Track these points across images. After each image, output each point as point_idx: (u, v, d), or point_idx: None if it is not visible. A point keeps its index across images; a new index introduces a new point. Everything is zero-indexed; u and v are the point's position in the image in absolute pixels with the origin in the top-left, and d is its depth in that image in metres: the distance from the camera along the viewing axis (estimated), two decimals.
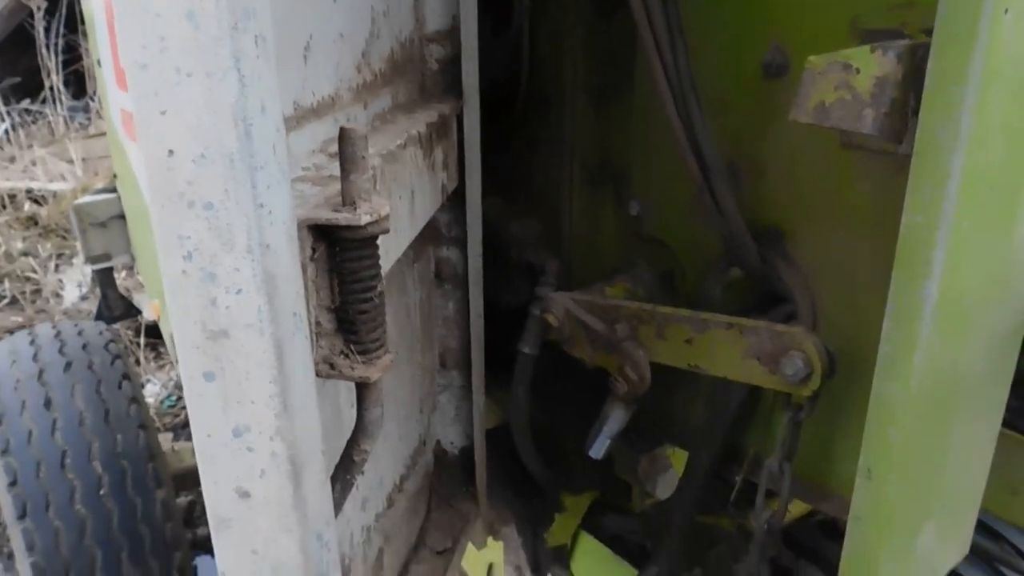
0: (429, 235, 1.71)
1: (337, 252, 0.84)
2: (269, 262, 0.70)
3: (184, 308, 0.71)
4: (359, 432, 0.94)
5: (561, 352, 1.88)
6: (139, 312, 4.56)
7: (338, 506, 0.95)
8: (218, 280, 0.70)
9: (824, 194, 1.54)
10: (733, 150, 1.68)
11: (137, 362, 6.19)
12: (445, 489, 1.88)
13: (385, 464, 1.49)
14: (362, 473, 0.97)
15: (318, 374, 0.87)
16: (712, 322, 1.52)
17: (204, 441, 0.77)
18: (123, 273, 6.05)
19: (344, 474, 0.95)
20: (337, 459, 0.98)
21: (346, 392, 1.14)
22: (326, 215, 0.81)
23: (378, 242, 0.87)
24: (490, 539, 2.22)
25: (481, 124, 2.12)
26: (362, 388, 0.93)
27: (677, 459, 2.20)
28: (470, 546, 2.23)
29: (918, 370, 1.09)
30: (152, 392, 5.29)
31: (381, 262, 0.93)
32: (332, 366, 0.88)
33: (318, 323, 0.86)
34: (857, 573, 1.23)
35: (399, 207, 1.20)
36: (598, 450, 1.84)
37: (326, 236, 0.83)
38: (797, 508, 2.45)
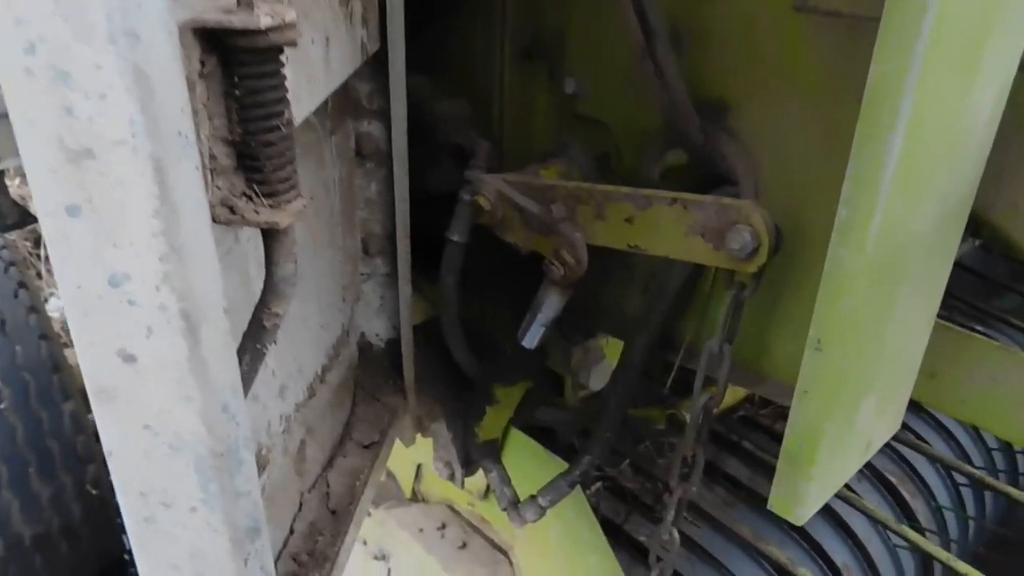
0: (348, 106, 1.55)
1: (233, 69, 0.69)
2: (140, 57, 0.55)
3: (31, 121, 0.56)
4: (269, 292, 0.82)
5: (491, 240, 1.77)
6: (35, 220, 4.24)
7: (248, 380, 0.84)
8: (74, 81, 0.55)
9: (773, 61, 1.45)
10: (676, 13, 1.56)
11: (39, 275, 5.79)
12: (371, 383, 1.78)
13: (305, 351, 1.37)
14: (274, 342, 0.85)
15: (216, 219, 0.73)
16: (655, 198, 1.43)
17: (74, 294, 0.64)
18: (16, 180, 5.58)
19: (253, 343, 0.83)
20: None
21: (257, 262, 1.01)
22: (216, 17, 0.65)
23: (284, 58, 0.72)
24: (419, 436, 2.16)
25: None
26: (271, 239, 0.80)
27: (611, 350, 2.17)
28: (397, 443, 2.16)
29: (874, 235, 1.03)
30: (57, 307, 4.97)
31: (291, 98, 0.79)
32: (232, 210, 0.75)
33: (213, 157, 0.72)
34: (801, 446, 1.20)
35: (312, 51, 1.04)
36: (532, 339, 1.77)
37: (218, 47, 0.68)
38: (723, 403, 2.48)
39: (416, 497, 3.11)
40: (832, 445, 1.20)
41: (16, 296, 2.61)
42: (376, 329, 1.83)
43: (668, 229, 1.43)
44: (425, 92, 2.00)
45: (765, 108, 1.49)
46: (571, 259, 1.60)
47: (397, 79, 1.53)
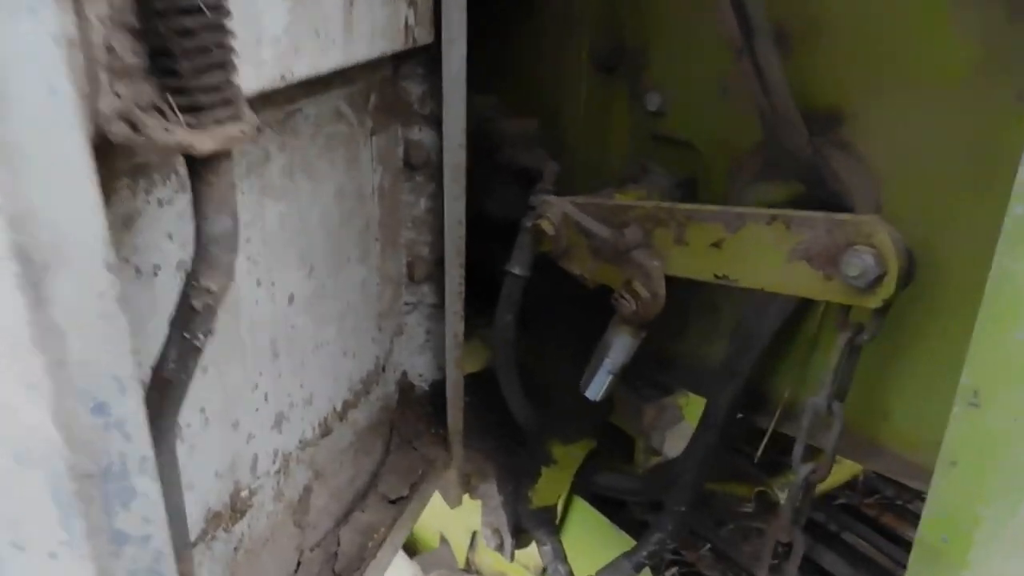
0: (398, 108, 1.37)
1: None
2: None
3: None
4: (198, 260, 0.61)
5: (556, 275, 1.54)
6: None
7: (178, 384, 0.62)
8: None
9: (903, 56, 1.19)
10: (782, 12, 1.33)
11: None
12: (409, 429, 1.55)
13: (318, 379, 1.15)
14: (210, 332, 0.63)
15: (108, 137, 0.53)
16: (749, 216, 1.18)
17: None
18: None
19: (179, 332, 0.62)
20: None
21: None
22: None
23: None
24: (466, 497, 1.90)
25: None
26: (198, 181, 0.60)
27: (691, 410, 1.87)
28: (441, 506, 1.90)
29: None
30: None
31: (289, 44, 0.59)
32: (134, 126, 0.54)
33: (110, 50, 0.52)
34: (947, 539, 0.89)
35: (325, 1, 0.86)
36: (597, 389, 1.51)
37: None
38: (829, 479, 2.10)
39: (469, 568, 2.83)
40: (991, 537, 0.88)
41: None
42: (419, 368, 1.61)
43: (765, 254, 1.16)
44: (490, 110, 1.82)
45: (890, 114, 1.23)
46: (645, 292, 1.34)
47: (452, 80, 1.35)
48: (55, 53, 0.49)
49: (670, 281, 1.36)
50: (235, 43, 0.64)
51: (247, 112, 0.65)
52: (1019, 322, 0.78)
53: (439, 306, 1.57)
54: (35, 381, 0.48)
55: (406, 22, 1.16)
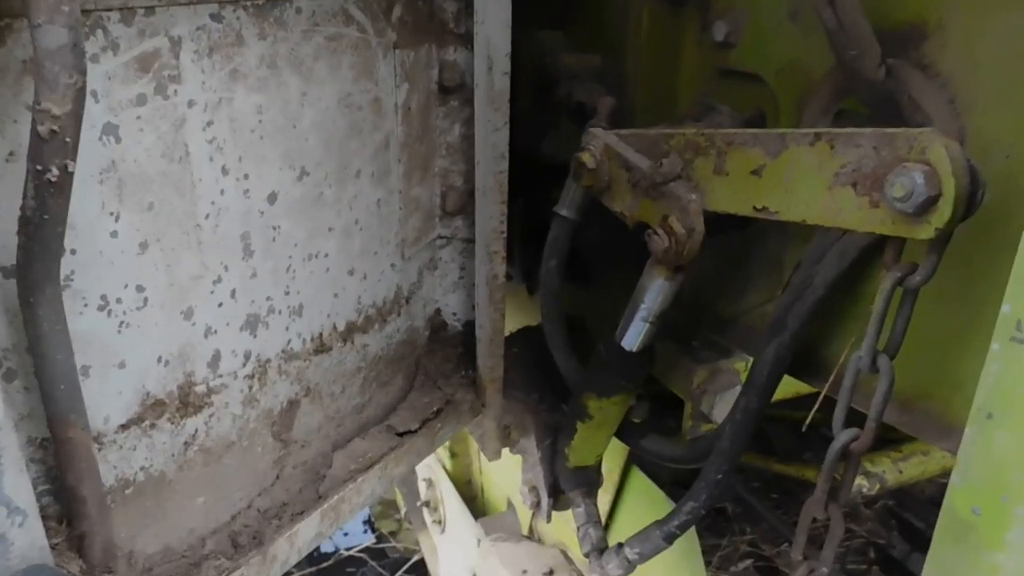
0: (432, 25, 1.30)
1: None
2: None
3: None
4: (36, 77, 0.57)
5: (611, 220, 1.42)
6: None
7: (42, 225, 0.58)
8: None
9: None
10: None
11: None
12: (436, 367, 1.49)
13: (306, 287, 1.11)
14: (66, 164, 0.59)
15: None
16: (791, 137, 1.02)
17: None
18: None
19: (33, 165, 0.58)
20: None
21: None
22: None
23: None
24: (505, 451, 1.83)
25: None
26: None
27: None
28: (510, 470, 1.83)
29: None
30: None
31: None
32: None
33: None
34: (979, 511, 0.73)
35: None
36: (633, 338, 1.39)
37: None
38: (910, 469, 1.86)
39: (532, 535, 2.76)
40: None
41: None
42: (453, 306, 1.54)
43: (807, 180, 1.01)
44: (550, 45, 1.72)
45: (982, 25, 1.03)
46: (681, 228, 1.21)
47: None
48: None
49: (726, 227, 1.22)
50: None
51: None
52: None
53: (472, 240, 1.50)
54: None
55: None
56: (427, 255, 1.46)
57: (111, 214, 0.79)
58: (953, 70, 1.08)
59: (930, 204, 0.85)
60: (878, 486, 1.70)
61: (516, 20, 1.34)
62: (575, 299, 1.94)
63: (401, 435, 1.30)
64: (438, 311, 1.55)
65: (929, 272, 0.93)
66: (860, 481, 1.75)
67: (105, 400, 0.83)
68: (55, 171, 0.60)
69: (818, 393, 1.25)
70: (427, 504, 3.20)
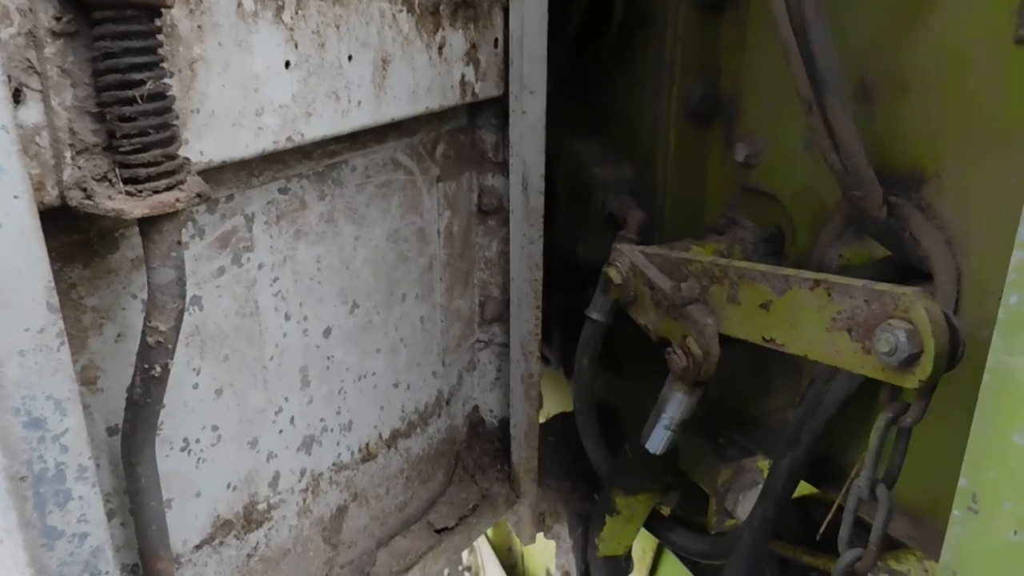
0: (473, 156, 1.45)
1: (95, 25, 0.60)
2: None
3: None
4: (149, 303, 0.71)
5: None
6: None
7: (145, 407, 0.72)
8: None
9: (989, 113, 1.08)
10: (866, 63, 1.26)
11: None
12: (473, 462, 1.60)
13: (356, 405, 1.24)
14: (168, 365, 0.72)
15: (69, 202, 0.64)
16: (794, 279, 1.12)
17: None
18: None
19: (142, 363, 0.72)
20: None
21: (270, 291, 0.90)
22: None
23: (160, 23, 0.62)
24: (540, 536, 1.91)
25: (568, 50, 1.83)
26: (146, 238, 0.69)
27: None
28: (540, 546, 1.92)
29: None
30: None
31: (301, 108, 0.67)
32: (87, 193, 0.65)
33: (73, 132, 0.63)
34: None
35: (345, 67, 0.95)
36: (656, 443, 1.48)
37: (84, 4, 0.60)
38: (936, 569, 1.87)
39: None
40: None
41: None
42: (491, 404, 1.66)
43: (808, 320, 1.10)
44: (587, 156, 1.85)
45: (976, 175, 1.12)
46: (698, 349, 1.31)
47: (530, 129, 1.39)
48: (3, 139, 0.59)
49: (752, 345, 1.30)
50: (223, 114, 0.73)
51: (192, 181, 0.74)
52: (1018, 422, 0.69)
53: (507, 344, 1.61)
54: None
55: (462, 79, 1.23)
56: (466, 358, 1.58)
57: (194, 370, 0.93)
58: (949, 213, 1.16)
59: (913, 360, 0.93)
60: None
61: (552, 129, 1.46)
62: (608, 387, 2.04)
63: (439, 532, 1.41)
64: (476, 408, 1.66)
65: (919, 415, 1.01)
66: None
67: (184, 525, 0.96)
68: (159, 369, 0.74)
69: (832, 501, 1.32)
70: (468, 569, 3.27)
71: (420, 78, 1.11)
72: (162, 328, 0.71)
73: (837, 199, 1.36)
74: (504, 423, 1.67)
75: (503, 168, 1.48)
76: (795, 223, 1.48)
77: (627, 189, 1.76)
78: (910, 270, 1.23)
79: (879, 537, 1.08)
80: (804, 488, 1.55)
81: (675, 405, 1.40)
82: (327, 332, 1.14)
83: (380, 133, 1.16)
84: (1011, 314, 0.68)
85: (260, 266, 0.98)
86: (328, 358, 1.15)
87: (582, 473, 1.87)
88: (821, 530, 1.31)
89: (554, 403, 2.19)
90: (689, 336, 1.33)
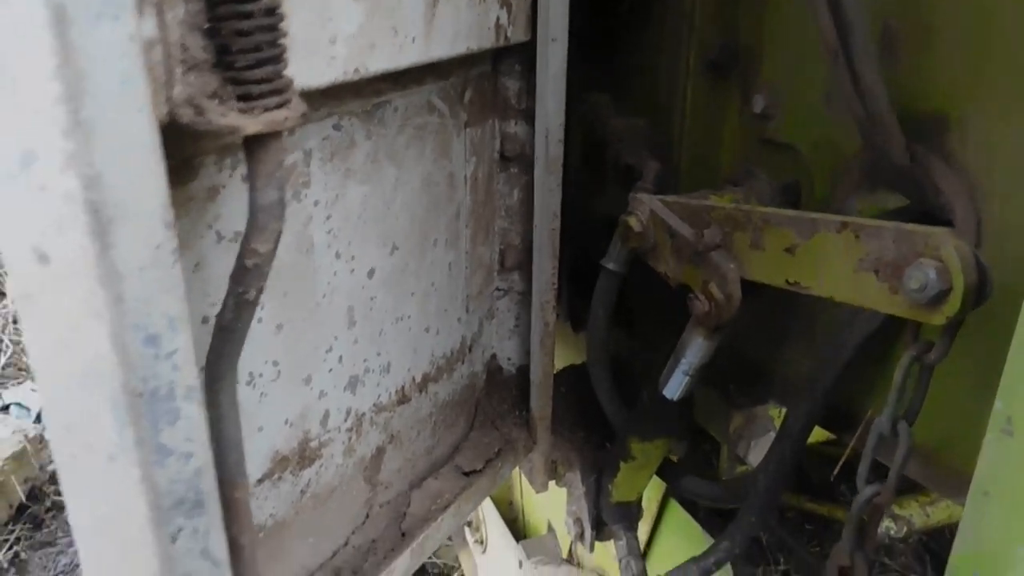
0: (496, 103, 1.45)
1: None
2: None
3: None
4: (250, 225, 0.71)
5: (655, 273, 1.55)
6: None
7: (234, 331, 0.73)
8: None
9: (1015, 59, 1.10)
10: (891, 8, 1.27)
11: None
12: (493, 409, 1.63)
13: (396, 349, 1.26)
14: (261, 288, 0.74)
15: (177, 119, 0.65)
16: (821, 223, 1.14)
17: None
18: None
19: (236, 287, 0.73)
20: None
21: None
22: None
23: None
24: (552, 484, 1.96)
25: (585, 2, 1.83)
26: (252, 158, 0.70)
27: None
28: (551, 495, 1.96)
29: None
30: None
31: (361, 40, 0.69)
32: (198, 110, 0.65)
33: (184, 48, 0.64)
34: (982, 567, 0.84)
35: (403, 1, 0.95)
36: (674, 389, 1.51)
37: None
38: (937, 513, 1.95)
39: (572, 559, 2.88)
40: None
41: None
42: (508, 352, 1.68)
43: (835, 263, 1.13)
44: (603, 109, 1.86)
45: (999, 122, 1.14)
46: (719, 294, 1.34)
47: (553, 77, 1.40)
48: (130, 50, 0.61)
49: (766, 292, 1.34)
50: (302, 41, 0.74)
51: (296, 101, 0.76)
52: None
53: (529, 293, 1.64)
54: (100, 311, 0.59)
55: (497, 22, 1.24)
56: (487, 306, 1.61)
57: (260, 306, 0.95)
58: (972, 161, 1.19)
59: (942, 296, 0.97)
60: (906, 529, 1.79)
61: (569, 82, 1.47)
62: (620, 343, 2.07)
63: (467, 474, 1.45)
64: (494, 356, 1.69)
65: (943, 352, 1.04)
66: (888, 524, 1.84)
67: (248, 459, 0.98)
68: (252, 293, 0.74)
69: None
70: (469, 523, 3.33)
71: (463, 18, 1.12)
72: (261, 250, 0.71)
73: (856, 149, 1.39)
74: (521, 371, 1.70)
75: (525, 115, 1.49)
76: (813, 175, 1.50)
77: (643, 141, 1.78)
78: (927, 218, 1.26)
79: (898, 472, 1.13)
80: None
81: (695, 350, 1.43)
82: (371, 273, 1.15)
83: (420, 74, 1.17)
84: None
85: (316, 203, 0.99)
86: (371, 299, 1.17)
87: (594, 424, 1.91)
88: (836, 470, 1.36)
89: (559, 356, 2.22)
90: (711, 282, 1.35)
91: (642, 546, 2.19)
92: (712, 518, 2.19)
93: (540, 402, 1.66)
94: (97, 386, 0.63)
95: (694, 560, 1.55)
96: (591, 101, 1.90)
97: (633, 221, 1.51)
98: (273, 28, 0.72)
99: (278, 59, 0.73)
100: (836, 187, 1.44)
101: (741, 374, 1.73)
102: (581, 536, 1.90)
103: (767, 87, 1.56)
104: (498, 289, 1.62)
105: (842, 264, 1.11)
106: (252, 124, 0.69)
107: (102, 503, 0.68)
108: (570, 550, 2.88)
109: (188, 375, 0.66)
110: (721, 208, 1.35)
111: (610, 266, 1.66)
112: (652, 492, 2.20)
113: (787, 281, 1.23)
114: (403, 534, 1.27)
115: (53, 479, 4.24)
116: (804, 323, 1.59)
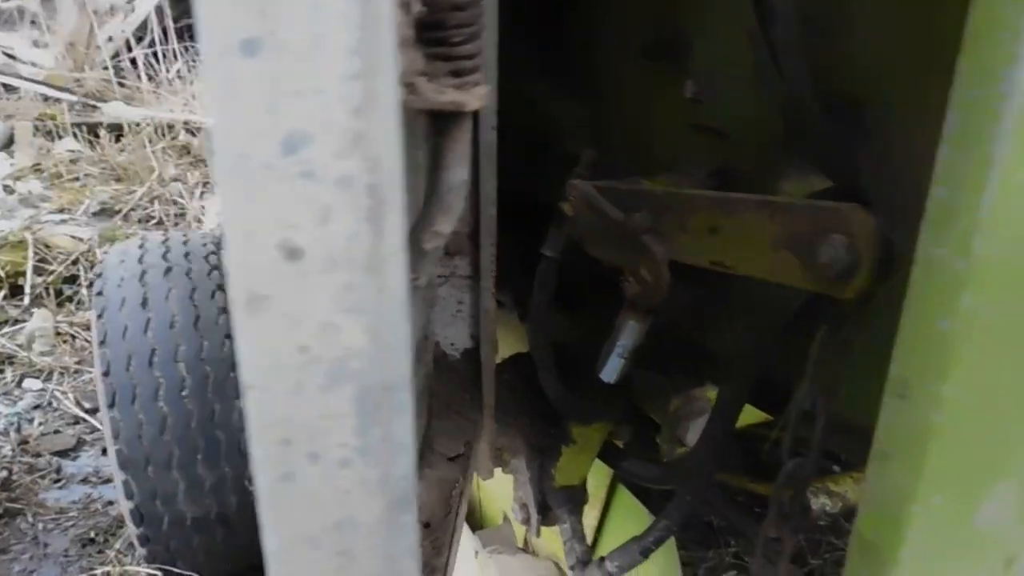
0: None
1: None
2: None
3: None
4: (434, 205, 0.69)
5: (594, 264, 1.57)
6: None
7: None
8: None
9: (928, 42, 1.13)
10: None
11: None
12: (447, 395, 1.64)
13: None
14: (432, 275, 0.73)
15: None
16: (740, 202, 1.16)
17: (233, 167, 0.50)
18: None
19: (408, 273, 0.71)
20: None
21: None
22: None
23: None
24: (498, 471, 1.97)
25: None
26: (443, 136, 0.68)
27: None
28: (507, 485, 1.97)
29: (987, 224, 0.71)
30: None
31: None
32: (411, 88, 0.63)
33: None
34: (879, 534, 0.86)
35: None
36: (610, 372, 1.53)
37: None
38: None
39: (527, 548, 2.89)
40: (929, 542, 0.85)
41: (212, 297, 2.81)
42: (452, 338, 1.69)
43: (754, 241, 1.15)
44: (542, 94, 1.87)
45: (917, 103, 1.17)
46: (649, 276, 1.35)
47: (484, 66, 1.40)
48: (395, 21, 0.52)
49: (707, 273, 1.35)
50: None
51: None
52: (943, 310, 0.75)
53: (472, 277, 1.64)
54: (364, 305, 0.54)
55: None
56: (430, 293, 1.60)
57: None
58: (892, 140, 1.22)
59: (851, 270, 0.99)
60: (840, 504, 1.83)
61: (506, 68, 1.47)
62: (562, 327, 2.09)
63: (453, 459, 1.45)
64: (437, 343, 1.69)
65: (855, 329, 1.07)
66: (824, 500, 1.88)
67: None
68: (423, 279, 0.71)
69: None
70: None
71: None
72: (443, 230, 0.69)
73: (782, 133, 1.41)
74: (466, 355, 1.71)
75: None
76: (742, 159, 1.53)
77: (582, 127, 1.79)
78: (849, 198, 1.29)
79: (818, 442, 1.15)
80: (749, 419, 1.62)
81: (628, 333, 1.45)
82: None
83: None
84: (938, 207, 0.73)
85: None
86: None
87: (538, 410, 1.92)
88: (767, 445, 1.38)
89: (508, 346, 2.23)
90: (641, 265, 1.37)
91: (592, 531, 2.21)
92: (661, 502, 2.21)
93: (487, 390, 1.66)
94: (344, 388, 0.57)
95: (635, 539, 1.57)
96: (528, 87, 1.91)
97: (567, 207, 1.52)
98: (481, 10, 0.70)
99: (479, 33, 0.71)
100: (766, 171, 1.46)
101: (681, 356, 1.75)
102: (528, 521, 1.91)
103: (698, 72, 1.58)
104: (439, 276, 1.62)
105: (761, 242, 1.13)
106: (472, 100, 0.66)
107: (322, 519, 0.61)
108: (525, 539, 2.90)
109: (407, 363, 0.60)
110: (649, 192, 1.37)
111: (548, 252, 1.67)
112: (600, 478, 2.22)
113: (711, 261, 1.24)
114: (426, 525, 1.27)
115: (5, 485, 4.15)
116: (741, 304, 1.61)
